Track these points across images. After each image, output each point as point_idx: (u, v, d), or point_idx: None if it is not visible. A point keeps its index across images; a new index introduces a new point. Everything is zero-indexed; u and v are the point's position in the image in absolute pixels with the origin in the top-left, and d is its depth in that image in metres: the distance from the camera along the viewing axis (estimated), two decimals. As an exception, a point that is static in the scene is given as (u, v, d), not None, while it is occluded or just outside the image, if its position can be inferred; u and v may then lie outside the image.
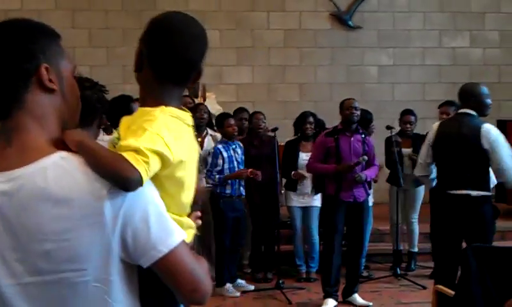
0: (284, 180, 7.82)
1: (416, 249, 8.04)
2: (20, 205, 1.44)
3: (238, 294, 6.99)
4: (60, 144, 1.52)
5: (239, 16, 11.09)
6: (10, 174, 1.46)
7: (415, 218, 7.94)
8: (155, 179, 1.63)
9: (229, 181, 6.93)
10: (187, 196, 1.91)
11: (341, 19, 11.32)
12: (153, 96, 1.84)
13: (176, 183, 1.79)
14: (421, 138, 7.64)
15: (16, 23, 1.54)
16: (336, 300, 6.50)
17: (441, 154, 5.49)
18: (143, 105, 1.85)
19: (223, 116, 7.29)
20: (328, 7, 11.30)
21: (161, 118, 1.74)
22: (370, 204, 7.45)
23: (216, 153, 6.90)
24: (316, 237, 7.52)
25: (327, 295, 6.49)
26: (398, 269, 7.56)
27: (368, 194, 6.65)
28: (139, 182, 1.52)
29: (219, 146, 6.95)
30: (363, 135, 6.57)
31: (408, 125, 7.90)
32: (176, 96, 1.88)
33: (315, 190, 7.23)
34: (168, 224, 1.56)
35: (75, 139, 1.52)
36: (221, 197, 6.94)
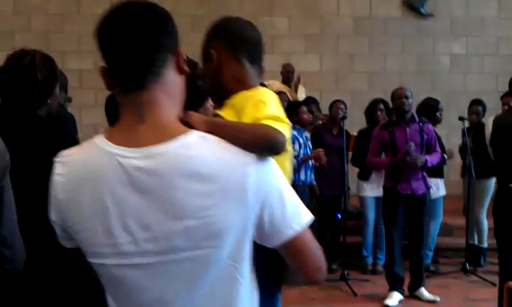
0: (357, 170, 7.73)
1: (485, 245, 7.81)
2: (162, 182, 1.43)
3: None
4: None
5: (308, 3, 11.00)
6: (146, 150, 1.44)
7: (482, 212, 7.72)
8: None
9: (303, 169, 6.89)
10: (291, 171, 2.05)
11: (413, 6, 11.09)
12: (242, 83, 2.17)
13: (288, 155, 1.98)
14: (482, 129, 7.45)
15: (152, 4, 1.56)
16: (402, 294, 6.40)
17: (500, 148, 5.31)
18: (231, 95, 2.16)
19: (297, 104, 7.24)
20: (399, -6, 11.10)
21: (268, 93, 1.99)
22: (442, 194, 7.31)
23: (293, 139, 6.87)
24: (386, 228, 7.42)
25: (392, 288, 6.40)
26: (467, 264, 7.38)
27: (428, 187, 6.44)
28: (285, 144, 1.59)
29: (294, 132, 6.92)
30: (421, 123, 6.39)
31: (474, 116, 7.72)
32: (257, 79, 2.25)
33: None
34: (298, 202, 1.57)
35: (204, 119, 1.54)
36: (293, 186, 6.89)
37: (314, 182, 7.21)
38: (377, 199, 7.41)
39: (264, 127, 1.59)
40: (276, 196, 1.51)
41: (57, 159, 1.54)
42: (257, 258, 1.60)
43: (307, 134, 7.13)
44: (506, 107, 7.12)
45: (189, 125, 1.51)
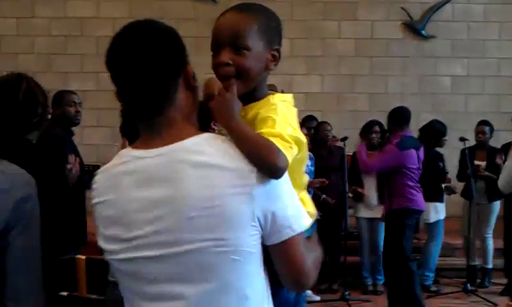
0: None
1: (490, 266, 7.79)
2: (170, 175, 1.49)
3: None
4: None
5: (310, 25, 11.06)
6: (161, 149, 1.53)
7: (489, 233, 7.70)
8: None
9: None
10: (305, 175, 1.90)
11: (414, 28, 11.14)
12: (260, 87, 1.75)
13: (301, 163, 1.78)
14: (496, 151, 7.49)
15: (157, 24, 1.60)
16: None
17: None
18: (249, 100, 1.72)
19: None
20: (400, 16, 11.14)
21: (280, 105, 1.70)
22: (442, 217, 7.33)
23: None
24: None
25: None
26: (468, 285, 7.36)
27: (390, 209, 6.52)
28: (285, 170, 1.53)
29: None
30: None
31: (481, 135, 7.74)
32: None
33: (380, 201, 7.21)
34: (300, 206, 1.60)
35: (227, 123, 1.57)
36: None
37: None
38: (370, 220, 7.44)
39: (272, 150, 1.50)
40: (282, 196, 1.53)
41: (96, 172, 1.68)
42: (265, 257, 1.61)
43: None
44: None
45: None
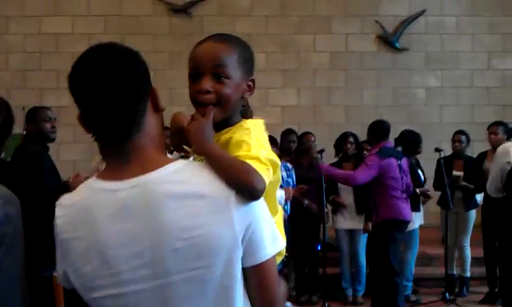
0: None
1: (468, 274, 7.84)
2: (150, 207, 1.46)
3: (283, 317, 6.92)
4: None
5: (285, 39, 11.12)
6: (134, 180, 1.49)
7: (467, 242, 7.76)
8: None
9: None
10: (277, 203, 1.91)
11: (388, 41, 11.24)
12: (234, 115, 1.77)
13: (275, 186, 1.80)
14: (472, 161, 7.57)
15: (119, 47, 1.57)
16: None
17: None
18: (223, 127, 1.74)
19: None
20: (374, 30, 11.24)
21: (253, 129, 1.73)
22: (417, 226, 7.38)
23: None
24: (363, 260, 7.42)
25: None
26: (447, 294, 7.40)
27: (374, 221, 6.67)
28: (263, 191, 1.54)
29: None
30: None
31: (457, 144, 7.81)
32: None
33: (358, 211, 7.24)
34: (275, 228, 1.61)
35: (203, 146, 1.58)
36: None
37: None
38: (349, 231, 7.46)
39: (249, 172, 1.53)
40: (259, 218, 1.54)
41: (57, 203, 1.59)
42: None
43: (281, 170, 7.10)
44: (493, 136, 7.28)
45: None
